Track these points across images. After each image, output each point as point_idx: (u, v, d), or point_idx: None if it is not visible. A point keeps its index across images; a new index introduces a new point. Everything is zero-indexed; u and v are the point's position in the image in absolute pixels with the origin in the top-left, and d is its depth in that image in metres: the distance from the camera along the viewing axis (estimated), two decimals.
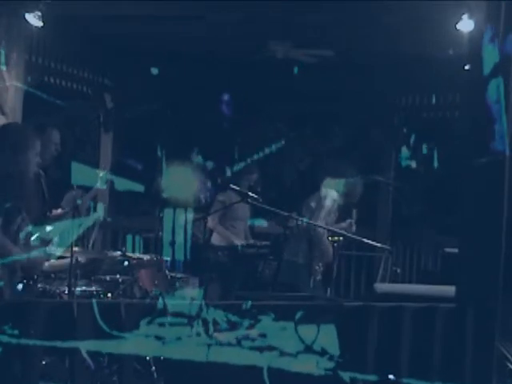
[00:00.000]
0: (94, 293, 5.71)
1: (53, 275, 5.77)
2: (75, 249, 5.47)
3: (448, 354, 4.39)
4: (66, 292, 5.48)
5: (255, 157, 8.65)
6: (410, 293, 5.77)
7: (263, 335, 3.98)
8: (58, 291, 5.55)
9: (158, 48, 8.48)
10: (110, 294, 5.85)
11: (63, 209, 6.08)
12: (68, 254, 5.41)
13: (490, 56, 4.46)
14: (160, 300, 4.02)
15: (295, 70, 8.47)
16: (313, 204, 7.46)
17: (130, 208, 10.73)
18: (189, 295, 6.06)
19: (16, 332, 3.57)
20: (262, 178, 8.09)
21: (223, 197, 7.72)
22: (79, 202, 5.79)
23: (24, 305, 3.78)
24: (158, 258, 6.44)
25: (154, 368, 5.29)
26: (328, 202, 7.46)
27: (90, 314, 3.75)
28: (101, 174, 6.52)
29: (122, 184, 8.42)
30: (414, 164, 10.23)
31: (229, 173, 8.22)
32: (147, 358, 5.23)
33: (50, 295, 5.48)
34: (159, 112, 10.99)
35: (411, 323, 4.36)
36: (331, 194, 7.51)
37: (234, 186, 6.98)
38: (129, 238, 7.90)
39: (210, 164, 9.80)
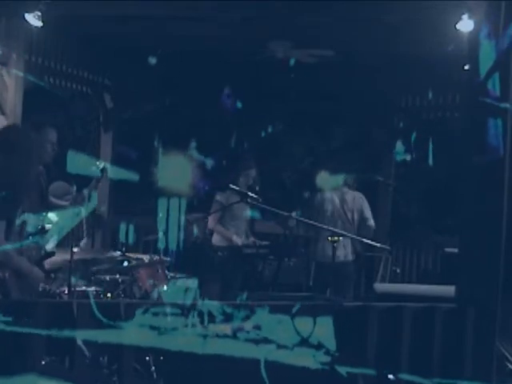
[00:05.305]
0: (94, 293, 5.71)
1: (52, 275, 5.77)
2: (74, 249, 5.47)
3: (448, 355, 4.39)
4: (66, 292, 5.49)
5: (254, 156, 8.64)
6: (410, 293, 5.76)
7: (258, 327, 3.97)
8: (57, 291, 5.56)
9: (157, 48, 8.46)
10: (109, 294, 5.86)
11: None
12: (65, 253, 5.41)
13: (488, 53, 4.46)
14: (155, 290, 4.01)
15: (295, 69, 8.47)
16: (318, 207, 7.59)
17: (129, 206, 10.73)
18: (184, 287, 6.09)
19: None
20: (262, 177, 8.08)
21: (222, 197, 7.71)
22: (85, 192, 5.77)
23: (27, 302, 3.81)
24: (158, 258, 6.44)
25: (153, 368, 5.29)
26: (329, 204, 7.58)
27: (86, 303, 3.78)
28: (100, 165, 6.49)
29: (122, 182, 8.41)
30: (413, 164, 10.23)
31: (227, 170, 8.21)
32: (147, 358, 5.24)
33: (49, 295, 5.48)
34: (159, 112, 10.99)
35: (411, 323, 4.35)
36: (331, 194, 7.58)
37: (234, 186, 6.97)
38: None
39: (209, 162, 9.81)
